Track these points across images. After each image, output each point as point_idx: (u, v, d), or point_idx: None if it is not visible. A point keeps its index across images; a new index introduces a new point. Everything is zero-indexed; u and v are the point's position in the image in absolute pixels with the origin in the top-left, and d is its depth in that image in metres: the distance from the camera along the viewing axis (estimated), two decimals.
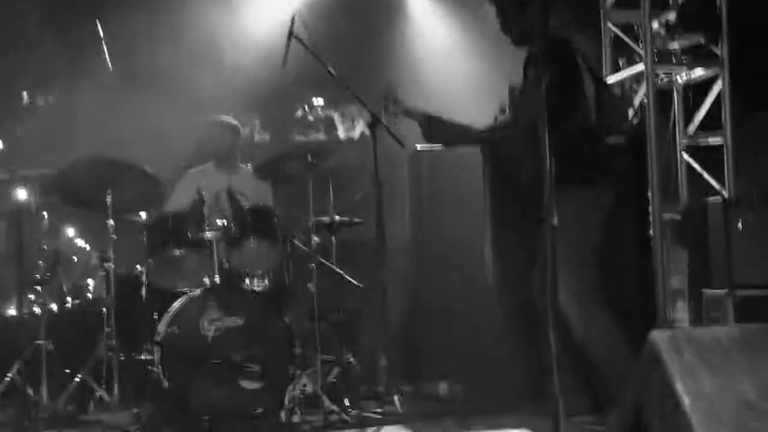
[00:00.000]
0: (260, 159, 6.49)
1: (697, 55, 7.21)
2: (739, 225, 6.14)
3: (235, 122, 7.13)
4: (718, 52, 7.12)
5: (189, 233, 5.92)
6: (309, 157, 6.01)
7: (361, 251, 6.68)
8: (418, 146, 6.64)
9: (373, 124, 5.86)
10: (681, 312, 6.34)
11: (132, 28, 7.90)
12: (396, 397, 5.75)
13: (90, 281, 6.56)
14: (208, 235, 5.91)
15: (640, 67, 7.10)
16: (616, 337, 4.89)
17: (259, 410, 5.62)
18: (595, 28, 7.67)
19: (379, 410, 5.77)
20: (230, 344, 5.66)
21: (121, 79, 7.31)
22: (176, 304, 5.76)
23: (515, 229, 5.90)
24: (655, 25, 7.08)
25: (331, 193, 6.38)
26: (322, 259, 6.29)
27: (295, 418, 5.59)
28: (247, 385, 5.64)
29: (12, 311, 6.49)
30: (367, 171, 5.97)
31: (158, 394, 5.62)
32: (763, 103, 7.77)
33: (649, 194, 6.65)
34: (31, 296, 6.24)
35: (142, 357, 5.95)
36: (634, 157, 6.55)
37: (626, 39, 7.42)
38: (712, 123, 7.21)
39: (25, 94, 8.72)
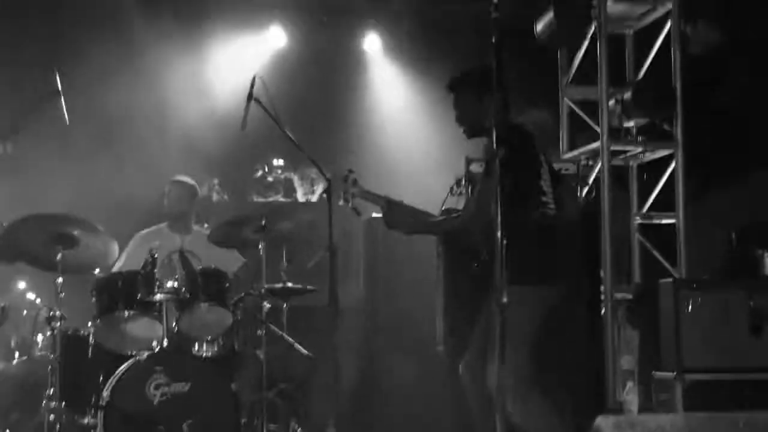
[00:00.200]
0: (213, 225, 6.46)
1: (652, 134, 7.32)
2: (689, 307, 6.17)
3: (192, 182, 7.12)
4: (673, 131, 7.22)
5: (139, 294, 5.85)
6: (263, 221, 6.00)
7: (313, 318, 6.64)
8: (374, 214, 6.66)
9: (329, 190, 5.86)
10: (631, 394, 6.34)
11: (91, 82, 7.87)
12: None
13: (39, 337, 6.44)
14: (158, 297, 5.84)
15: (596, 144, 7.18)
16: (552, 425, 4.89)
17: None
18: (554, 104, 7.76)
19: None
20: (176, 411, 5.58)
21: (77, 134, 7.25)
22: (123, 367, 5.67)
23: (468, 304, 5.89)
24: (612, 102, 7.18)
25: (284, 258, 6.35)
26: (272, 326, 6.23)
27: None
28: None
29: None
30: (321, 236, 5.95)
31: None
32: (717, 182, 7.90)
33: (602, 273, 6.69)
34: None
35: (85, 421, 5.83)
36: (587, 233, 6.59)
37: (583, 116, 7.51)
38: (666, 202, 7.29)
39: None
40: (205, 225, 7.21)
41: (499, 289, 4.01)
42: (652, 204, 7.42)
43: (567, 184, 5.43)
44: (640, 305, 6.73)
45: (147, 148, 8.28)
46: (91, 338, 6.01)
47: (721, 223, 7.53)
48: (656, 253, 7.21)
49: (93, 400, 5.79)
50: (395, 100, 9.45)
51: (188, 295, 5.90)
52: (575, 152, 7.52)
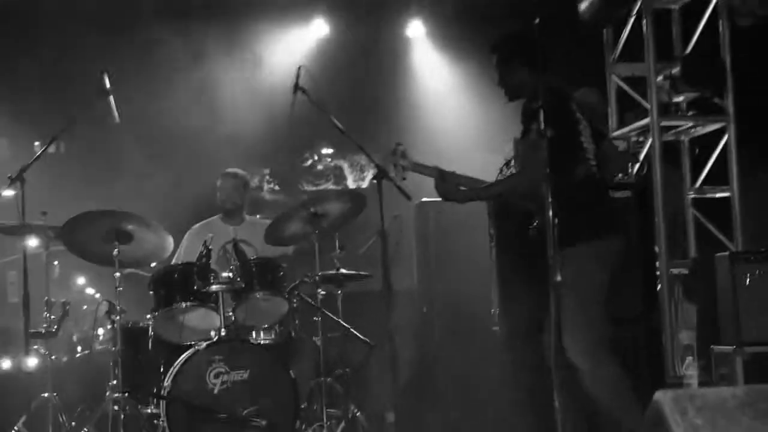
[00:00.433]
0: (266, 221, 6.52)
1: (702, 109, 7.24)
2: (747, 280, 6.10)
3: (243, 173, 7.18)
4: (724, 105, 7.14)
5: (195, 286, 5.92)
6: (312, 209, 6.04)
7: (368, 303, 6.69)
8: (424, 198, 6.66)
9: (379, 176, 5.86)
10: (690, 368, 6.29)
11: (140, 81, 7.97)
12: None
13: (100, 331, 6.57)
14: (214, 288, 5.91)
15: (645, 120, 7.12)
16: (625, 389, 4.89)
17: None
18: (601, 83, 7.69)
19: None
20: (236, 398, 5.65)
21: (128, 132, 7.36)
22: (182, 358, 5.75)
23: (523, 283, 5.90)
24: (660, 78, 7.12)
25: (337, 245, 6.39)
26: (327, 313, 6.28)
27: None
28: None
29: (20, 363, 6.49)
30: (372, 222, 5.97)
31: None
32: None
33: (657, 249, 6.65)
34: (40, 348, 6.25)
35: (149, 411, 5.93)
36: (640, 210, 6.55)
37: (632, 92, 7.44)
38: (719, 176, 7.21)
39: (37, 143, 8.79)
40: (258, 216, 7.27)
41: (553, 268, 4.03)
42: (705, 178, 7.33)
43: (611, 142, 5.40)
44: (697, 280, 6.67)
45: (197, 143, 8.38)
46: (150, 330, 6.11)
47: None
48: (711, 227, 7.12)
49: (155, 390, 5.89)
50: (440, 83, 9.46)
51: (243, 285, 5.96)
52: (625, 129, 7.46)
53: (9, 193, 5.99)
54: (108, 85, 6.17)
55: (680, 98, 7.18)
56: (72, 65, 8.46)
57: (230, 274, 5.95)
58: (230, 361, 5.70)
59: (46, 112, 8.47)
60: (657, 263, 6.69)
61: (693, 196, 7.33)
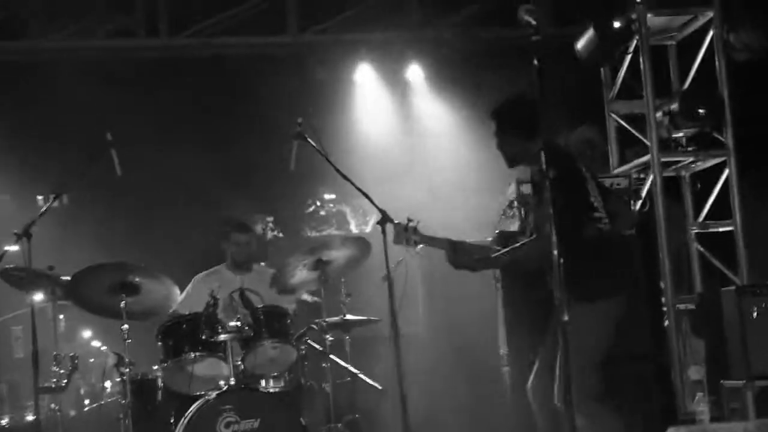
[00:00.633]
0: (272, 270, 6.52)
1: (702, 143, 7.28)
2: (754, 313, 6.11)
3: (254, 226, 7.18)
4: (724, 139, 7.18)
5: (203, 336, 5.92)
6: (317, 254, 6.06)
7: (376, 347, 6.68)
8: None
9: (383, 221, 5.88)
10: (701, 404, 6.28)
11: (142, 133, 8.02)
12: None
13: (107, 383, 6.55)
14: (223, 337, 5.90)
15: (646, 157, 7.16)
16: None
17: None
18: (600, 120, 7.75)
19: None
20: None
21: (131, 184, 7.39)
22: (193, 408, 5.73)
23: (532, 324, 5.89)
24: (659, 114, 7.16)
25: (343, 291, 6.40)
26: (336, 359, 6.28)
27: None
28: None
29: (29, 417, 6.47)
30: (377, 266, 5.98)
31: None
32: None
33: (662, 284, 6.66)
34: (49, 403, 6.24)
35: None
36: (644, 247, 6.56)
37: (631, 129, 7.49)
38: (721, 210, 7.24)
39: (40, 197, 8.82)
40: (262, 263, 7.27)
41: (559, 308, 4.04)
42: (708, 212, 7.35)
43: (617, 196, 5.44)
44: (704, 314, 6.67)
45: (200, 191, 8.41)
46: (159, 381, 6.10)
47: None
48: (716, 262, 7.14)
49: None
50: (440, 120, 9.52)
51: (252, 334, 5.96)
52: (626, 167, 7.50)
53: (15, 248, 6.00)
54: (110, 138, 6.20)
55: (680, 134, 7.22)
56: (72, 119, 8.53)
57: (238, 323, 5.95)
58: (241, 410, 5.68)
59: (48, 167, 8.52)
60: (663, 299, 6.69)
61: (696, 230, 7.35)
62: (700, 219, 7.37)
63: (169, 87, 8.72)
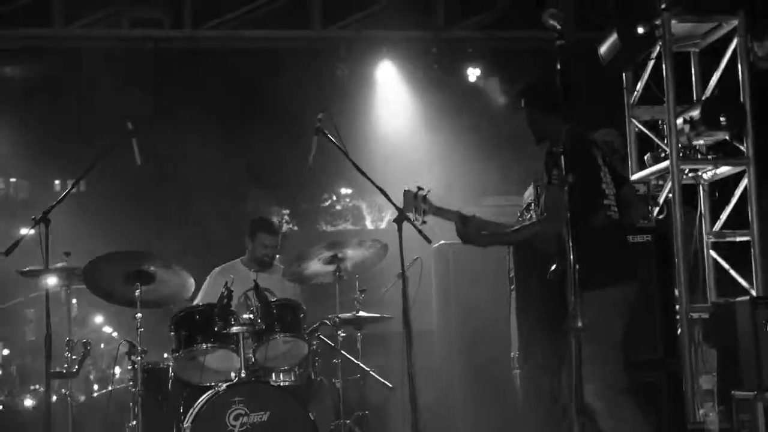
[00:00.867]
0: (284, 261, 6.52)
1: (722, 152, 7.25)
2: None
3: (277, 223, 7.17)
4: (744, 148, 7.15)
5: (216, 327, 5.94)
6: (334, 250, 6.07)
7: (388, 344, 6.69)
8: (443, 240, 6.68)
9: (399, 219, 5.88)
10: (711, 414, 6.26)
11: (163, 123, 8.05)
12: None
13: (117, 369, 6.57)
14: (235, 329, 5.92)
15: (665, 163, 7.13)
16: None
17: None
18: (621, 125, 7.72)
19: None
20: None
21: (150, 173, 7.42)
22: (202, 399, 5.75)
23: (542, 325, 5.89)
24: (680, 121, 7.14)
25: (357, 287, 6.41)
26: (347, 355, 6.28)
27: None
28: None
29: (39, 401, 6.51)
30: (392, 264, 5.98)
31: None
32: None
33: (677, 292, 6.64)
34: (60, 388, 6.27)
35: None
36: (660, 254, 6.54)
37: (651, 135, 7.46)
38: (738, 219, 7.21)
39: (57, 182, 8.87)
40: (277, 256, 7.28)
41: (573, 313, 4.04)
42: (725, 221, 7.32)
43: (631, 187, 5.41)
44: (718, 324, 6.65)
45: (219, 184, 8.44)
46: (170, 371, 6.12)
47: None
48: (733, 272, 7.12)
49: (174, 431, 5.87)
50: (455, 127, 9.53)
51: (264, 327, 5.97)
52: (644, 173, 7.47)
53: (32, 232, 6.02)
54: (131, 127, 6.21)
55: (700, 141, 7.19)
56: (93, 107, 8.56)
57: (251, 316, 5.96)
58: (250, 402, 5.69)
59: (67, 153, 8.57)
60: (677, 307, 6.67)
61: (712, 239, 7.32)
62: (717, 228, 7.33)
63: (191, 78, 8.74)
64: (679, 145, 7.08)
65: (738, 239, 7.21)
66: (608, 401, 4.79)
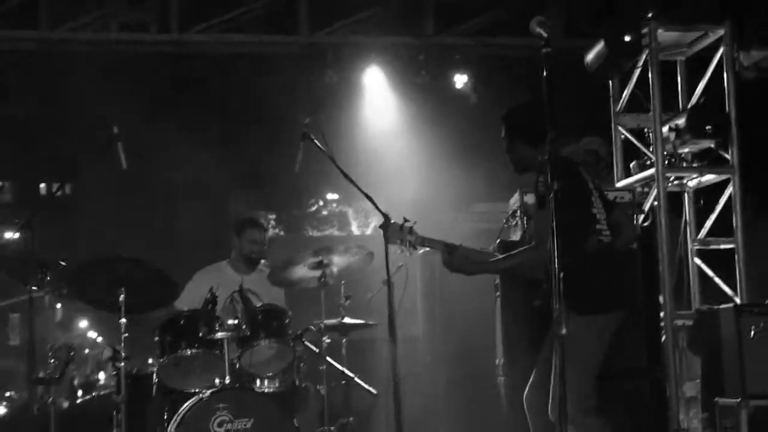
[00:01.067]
0: (271, 265, 6.52)
1: (707, 160, 7.28)
2: (752, 333, 6.12)
3: (265, 224, 7.18)
4: (729, 156, 7.18)
5: (200, 333, 5.92)
6: (319, 256, 6.08)
7: (373, 351, 6.68)
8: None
9: (385, 225, 5.87)
10: (695, 421, 6.28)
11: (146, 125, 8.04)
12: None
13: (101, 375, 6.55)
14: (220, 335, 5.90)
15: (650, 171, 7.15)
16: None
17: None
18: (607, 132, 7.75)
19: None
20: None
21: (136, 176, 7.39)
22: (186, 405, 5.73)
23: (528, 334, 5.90)
24: (665, 129, 7.16)
25: (343, 293, 6.41)
26: (332, 361, 6.28)
27: None
28: None
29: (22, 406, 6.48)
30: (377, 270, 5.99)
31: None
32: None
33: (661, 299, 6.66)
34: (42, 393, 6.24)
35: None
36: (645, 261, 6.56)
37: (637, 143, 7.49)
38: (723, 227, 7.23)
39: (42, 185, 8.85)
40: (263, 261, 7.27)
41: (557, 321, 4.04)
42: (709, 229, 7.35)
43: (622, 210, 5.42)
44: (702, 331, 6.67)
45: (203, 188, 8.42)
46: (154, 377, 6.10)
47: None
48: (717, 279, 7.14)
49: None
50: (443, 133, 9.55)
51: (249, 333, 5.96)
52: (630, 180, 7.50)
53: (15, 236, 6.00)
54: (117, 131, 6.21)
55: (685, 149, 7.22)
56: (79, 110, 8.55)
57: (236, 322, 5.95)
58: (234, 409, 5.68)
59: (53, 156, 8.54)
60: (662, 314, 6.69)
61: (697, 247, 7.35)
62: (702, 235, 7.36)
63: (178, 82, 8.73)
64: (665, 153, 7.10)
65: (722, 247, 7.23)
66: (578, 425, 4.79)
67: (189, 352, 5.96)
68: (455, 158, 9.35)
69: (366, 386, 6.42)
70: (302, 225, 9.67)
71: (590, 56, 7.48)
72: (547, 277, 4.70)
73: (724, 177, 7.23)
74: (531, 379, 5.13)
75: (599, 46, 7.34)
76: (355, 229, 9.59)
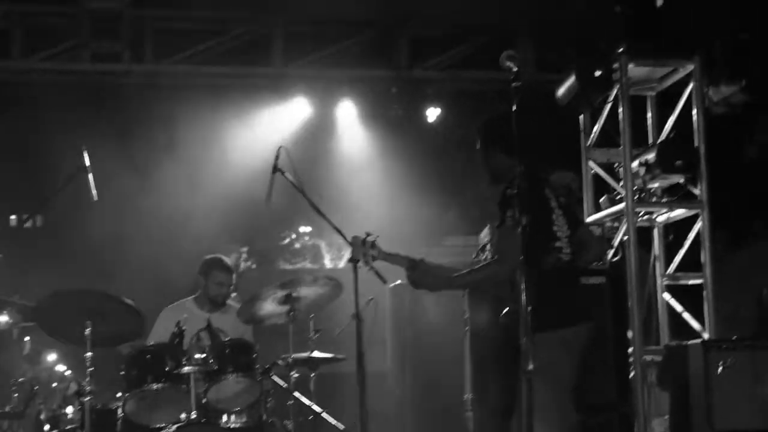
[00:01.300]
0: (241, 300, 6.49)
1: (676, 195, 7.31)
2: (720, 369, 6.12)
3: (230, 262, 7.15)
4: (698, 191, 7.21)
5: (167, 367, 5.88)
6: (287, 289, 6.05)
7: (341, 385, 6.65)
8: (399, 281, 6.67)
9: (354, 259, 5.86)
10: None
11: (116, 159, 8.01)
12: None
13: (69, 409, 6.47)
14: (187, 369, 5.86)
15: (620, 206, 7.18)
16: None
17: None
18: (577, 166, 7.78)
19: None
20: None
21: (106, 210, 7.36)
22: None
23: (496, 369, 5.89)
24: (635, 164, 7.20)
25: (311, 327, 6.37)
26: (300, 397, 6.24)
27: None
28: None
29: None
30: (347, 304, 5.96)
31: None
32: (743, 240, 7.85)
33: (630, 334, 6.66)
34: (6, 428, 6.16)
35: None
36: (614, 296, 6.57)
37: (607, 178, 7.52)
38: (692, 262, 7.25)
39: (13, 216, 8.78)
40: (234, 294, 7.24)
41: (524, 355, 4.04)
42: (678, 264, 7.38)
43: (588, 228, 5.42)
44: (670, 367, 6.67)
45: (174, 221, 8.38)
46: (120, 411, 6.03)
47: (748, 283, 7.47)
48: (686, 315, 7.15)
49: None
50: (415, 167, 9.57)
51: (216, 367, 5.92)
52: (600, 214, 7.52)
53: None
54: (87, 162, 6.18)
55: (655, 184, 7.25)
56: (50, 139, 8.50)
57: (203, 356, 5.91)
58: None
59: (23, 186, 8.49)
60: (630, 349, 6.69)
61: (666, 282, 7.37)
62: (671, 270, 7.38)
63: (150, 113, 8.71)
64: (635, 188, 7.13)
65: (691, 282, 7.25)
66: None
67: (155, 387, 5.90)
68: (427, 191, 9.36)
69: (334, 422, 6.37)
70: (275, 258, 9.63)
71: (561, 90, 7.51)
72: (509, 294, 4.70)
73: (693, 212, 7.26)
74: (497, 414, 5.11)
75: (570, 80, 7.38)
76: (327, 263, 9.56)
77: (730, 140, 7.72)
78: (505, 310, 5.03)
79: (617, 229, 7.29)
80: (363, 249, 5.29)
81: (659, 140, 7.49)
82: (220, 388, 5.97)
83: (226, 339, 6.22)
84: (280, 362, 6.24)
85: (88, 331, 5.81)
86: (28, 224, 6.57)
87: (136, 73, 9.04)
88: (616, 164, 7.48)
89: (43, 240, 8.39)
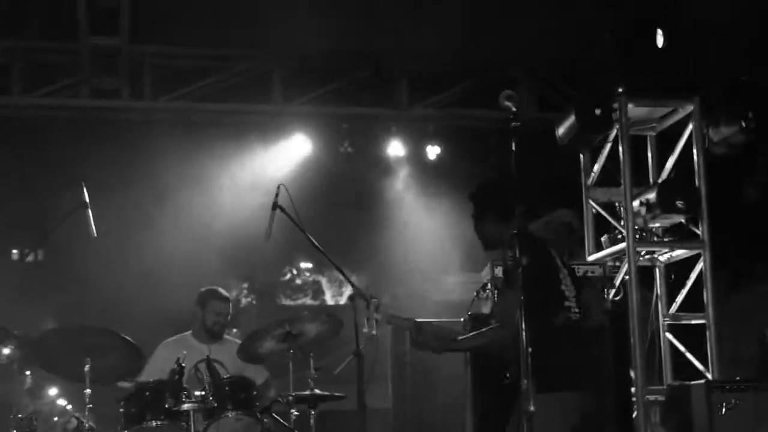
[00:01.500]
0: (241, 337, 6.46)
1: (678, 234, 7.31)
2: (723, 410, 6.09)
3: (228, 295, 7.11)
4: (699, 231, 7.21)
5: (167, 404, 5.83)
6: (287, 327, 6.02)
7: (341, 423, 6.59)
8: None
9: (354, 297, 5.85)
10: None
11: (117, 196, 8.01)
12: None
13: None
14: (186, 406, 5.81)
15: (621, 245, 7.17)
16: None
17: None
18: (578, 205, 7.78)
19: None
20: None
21: (106, 245, 7.34)
22: None
23: (497, 409, 5.83)
24: (636, 203, 7.20)
25: (312, 365, 6.33)
26: None
27: None
28: None
29: None
30: (348, 341, 5.94)
31: None
32: (745, 280, 7.85)
33: (633, 374, 6.63)
34: None
35: None
36: (616, 335, 6.55)
37: (608, 217, 7.52)
38: (694, 301, 7.24)
39: (15, 251, 8.77)
40: (234, 330, 7.21)
41: (525, 397, 4.01)
42: (681, 304, 7.36)
43: (592, 288, 5.42)
44: (673, 407, 6.63)
45: (175, 258, 8.37)
46: None
47: (750, 323, 7.46)
48: (689, 355, 7.13)
49: None
50: (417, 205, 9.56)
51: (216, 404, 5.87)
52: (601, 254, 7.51)
53: None
54: (86, 198, 6.17)
55: (656, 224, 7.25)
56: (50, 174, 8.52)
57: (203, 393, 5.87)
58: None
59: (24, 221, 8.48)
60: (633, 389, 6.66)
61: (668, 321, 7.35)
62: (673, 310, 7.37)
63: (150, 150, 8.73)
64: (636, 228, 7.13)
65: (693, 322, 7.23)
66: None
67: (154, 424, 5.85)
68: (428, 228, 9.36)
69: None
70: (275, 293, 9.61)
71: (561, 129, 7.54)
72: (516, 355, 4.67)
73: (694, 252, 7.25)
74: None
75: (570, 119, 7.40)
76: (328, 299, 9.56)
77: (730, 180, 7.73)
78: (507, 376, 4.98)
79: (618, 268, 7.27)
80: (367, 313, 5.27)
81: (660, 180, 7.50)
82: (220, 426, 5.91)
83: (226, 376, 6.17)
84: (280, 399, 6.19)
85: (87, 367, 5.77)
86: (29, 258, 6.53)
87: (135, 109, 9.06)
88: (617, 203, 7.49)
89: (44, 274, 8.36)
